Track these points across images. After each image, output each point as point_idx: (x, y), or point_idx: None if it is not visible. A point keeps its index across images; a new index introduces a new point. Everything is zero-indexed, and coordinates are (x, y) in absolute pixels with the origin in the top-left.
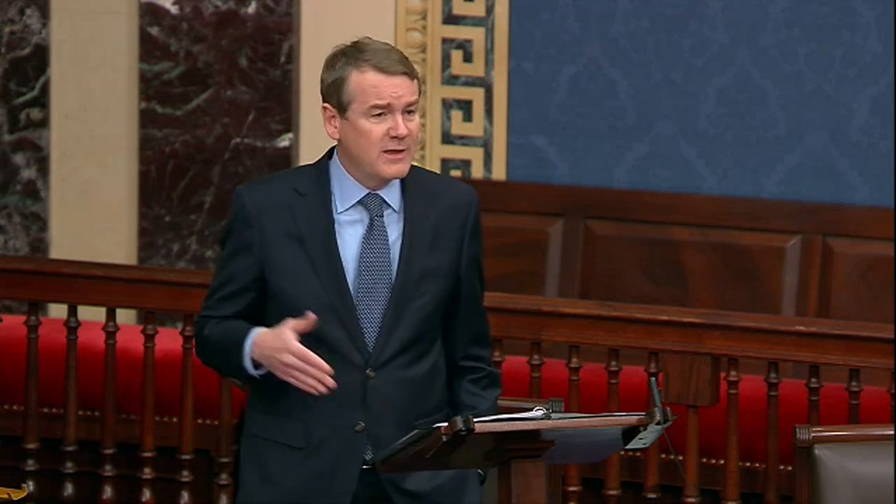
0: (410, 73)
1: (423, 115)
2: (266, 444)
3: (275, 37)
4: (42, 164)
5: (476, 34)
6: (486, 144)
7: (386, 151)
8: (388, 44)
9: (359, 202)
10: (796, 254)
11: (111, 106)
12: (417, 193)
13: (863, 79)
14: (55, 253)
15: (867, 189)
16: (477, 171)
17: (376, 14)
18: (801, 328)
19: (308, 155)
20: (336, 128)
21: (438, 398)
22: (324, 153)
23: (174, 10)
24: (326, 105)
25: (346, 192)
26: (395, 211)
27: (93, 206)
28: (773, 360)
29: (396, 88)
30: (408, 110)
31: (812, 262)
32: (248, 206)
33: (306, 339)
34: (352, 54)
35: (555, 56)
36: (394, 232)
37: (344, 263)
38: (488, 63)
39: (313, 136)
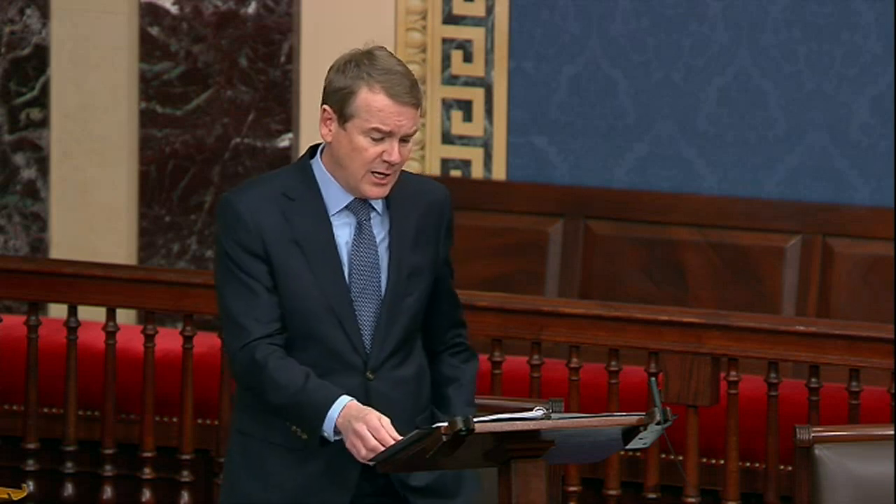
0: (418, 103)
1: (423, 116)
2: (260, 443)
3: (275, 37)
4: (42, 164)
5: (476, 34)
6: (486, 144)
7: (373, 172)
8: (401, 62)
9: (346, 207)
10: (796, 254)
11: (111, 106)
12: (398, 194)
13: (863, 79)
14: (55, 253)
15: (867, 189)
16: (477, 171)
17: (376, 14)
18: (801, 328)
19: None
20: (331, 131)
21: (427, 398)
22: (303, 153)
23: (174, 10)
24: (326, 107)
25: (332, 196)
26: (378, 213)
27: (93, 206)
28: (773, 360)
29: (402, 118)
30: (404, 138)
31: (812, 262)
32: (243, 211)
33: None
34: (365, 68)
35: (555, 56)
36: (380, 233)
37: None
38: (488, 63)
39: (313, 136)
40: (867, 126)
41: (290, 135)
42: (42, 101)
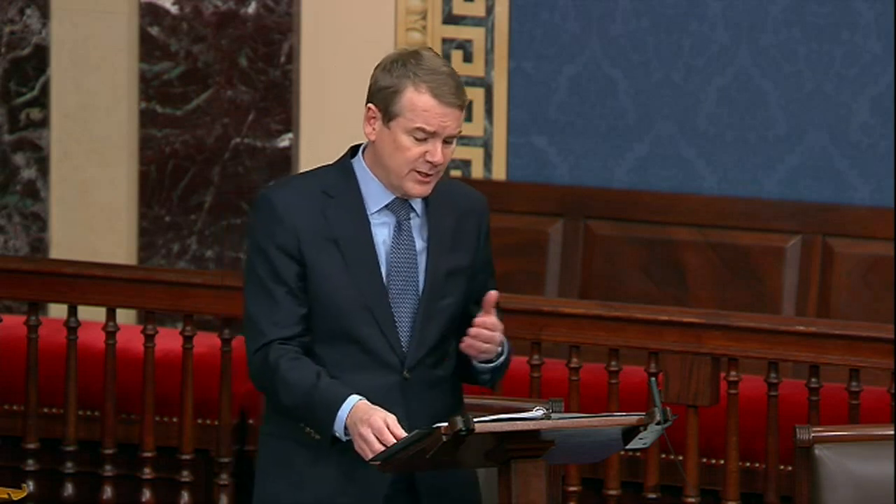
0: (463, 105)
1: None
2: (291, 444)
3: (275, 37)
4: (42, 164)
5: (476, 34)
6: (486, 144)
7: (416, 171)
8: (447, 64)
9: (385, 206)
10: (796, 254)
11: (111, 106)
12: (436, 197)
13: (863, 79)
14: (55, 253)
15: (867, 189)
16: (477, 171)
17: (376, 14)
18: (801, 328)
19: (308, 155)
20: (374, 129)
21: (459, 399)
22: (345, 152)
23: (174, 10)
24: (371, 105)
25: (373, 195)
26: (417, 215)
27: (93, 206)
28: (773, 360)
29: (446, 118)
30: (448, 139)
31: (812, 262)
32: (280, 208)
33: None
34: (412, 67)
35: (555, 56)
36: (418, 235)
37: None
38: (488, 63)
39: (313, 136)
40: (867, 126)
41: (290, 135)
42: (42, 101)
